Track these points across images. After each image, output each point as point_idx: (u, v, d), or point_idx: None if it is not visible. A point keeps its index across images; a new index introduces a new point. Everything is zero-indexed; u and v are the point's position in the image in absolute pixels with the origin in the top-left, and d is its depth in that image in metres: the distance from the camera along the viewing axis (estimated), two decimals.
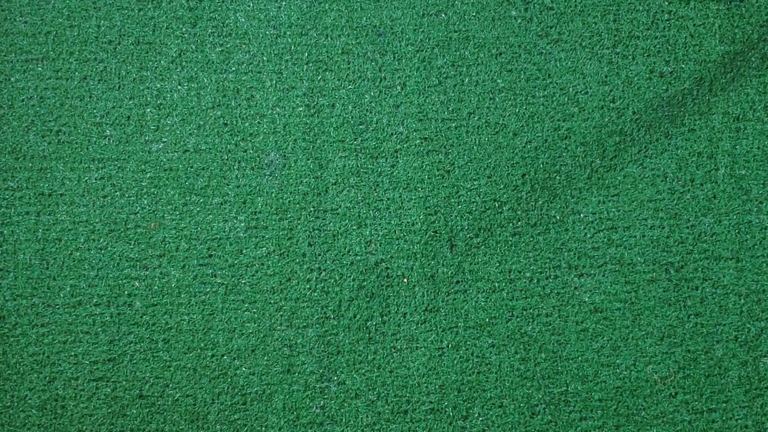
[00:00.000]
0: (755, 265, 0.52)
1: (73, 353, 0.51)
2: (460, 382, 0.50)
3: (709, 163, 0.53)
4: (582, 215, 0.52)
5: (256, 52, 0.53)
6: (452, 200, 0.52)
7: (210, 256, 0.51)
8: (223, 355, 0.51)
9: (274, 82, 0.53)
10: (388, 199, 0.51)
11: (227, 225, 0.52)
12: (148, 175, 0.52)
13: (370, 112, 0.53)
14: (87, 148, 0.52)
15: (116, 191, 0.52)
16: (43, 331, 0.51)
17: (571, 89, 0.53)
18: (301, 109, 0.53)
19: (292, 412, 0.49)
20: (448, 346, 0.50)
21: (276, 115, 0.53)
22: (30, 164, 0.52)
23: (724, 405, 0.51)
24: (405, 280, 0.50)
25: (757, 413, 0.51)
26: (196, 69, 0.53)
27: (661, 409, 0.50)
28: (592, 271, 0.52)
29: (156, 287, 0.51)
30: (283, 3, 0.54)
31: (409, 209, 0.51)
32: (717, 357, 0.51)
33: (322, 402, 0.49)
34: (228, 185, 0.52)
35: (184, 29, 0.53)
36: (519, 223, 0.52)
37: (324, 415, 0.49)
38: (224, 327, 0.51)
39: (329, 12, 0.54)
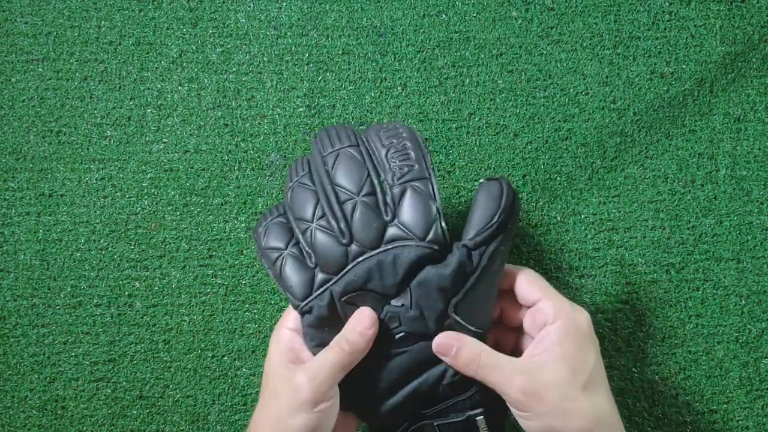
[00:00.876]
0: (756, 266, 0.52)
1: (73, 354, 0.51)
2: None
3: (710, 164, 0.53)
4: (583, 216, 0.52)
5: (257, 53, 0.53)
6: (453, 201, 0.52)
7: (210, 256, 0.51)
8: (223, 356, 0.51)
9: (275, 82, 0.53)
10: None
11: (228, 225, 0.52)
12: (148, 176, 0.52)
13: (371, 113, 0.53)
14: (87, 149, 0.52)
15: (117, 192, 0.52)
16: (44, 331, 0.51)
17: (571, 90, 0.53)
18: (301, 109, 0.53)
19: None
20: None
21: (276, 116, 0.53)
22: (30, 165, 0.52)
23: (725, 406, 0.51)
24: None
25: (758, 414, 0.51)
26: (196, 69, 0.53)
27: (662, 410, 0.50)
28: (593, 272, 0.52)
29: (156, 288, 0.51)
30: (284, 4, 0.54)
31: None
32: (718, 358, 0.51)
33: None
34: (228, 186, 0.52)
35: (184, 30, 0.53)
36: (520, 223, 0.52)
37: None
38: (225, 327, 0.51)
39: (330, 13, 0.54)
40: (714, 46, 0.54)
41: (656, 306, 0.52)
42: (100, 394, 0.51)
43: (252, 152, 0.52)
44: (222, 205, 0.52)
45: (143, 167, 0.52)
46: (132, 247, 0.51)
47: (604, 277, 0.52)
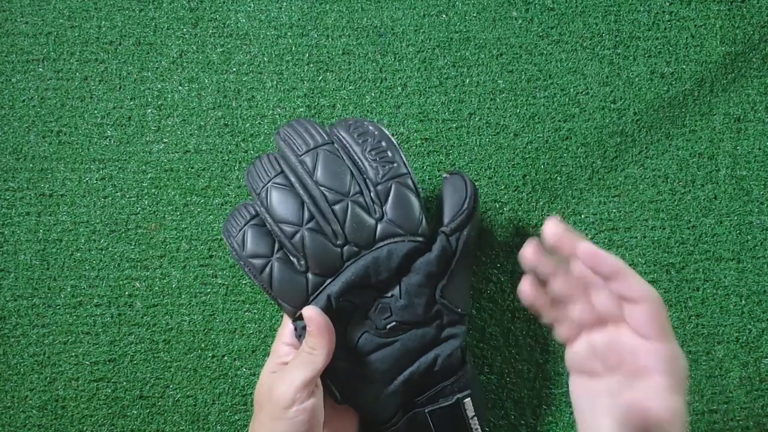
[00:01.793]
0: (756, 266, 0.52)
1: (73, 354, 0.51)
2: None
3: (710, 164, 0.53)
4: (583, 216, 0.52)
5: (257, 53, 0.53)
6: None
7: (211, 256, 0.51)
8: (224, 356, 0.51)
9: (275, 82, 0.53)
10: None
11: (223, 223, 0.52)
12: (148, 176, 0.52)
13: (371, 113, 0.53)
14: (88, 149, 0.52)
15: (117, 192, 0.52)
16: (44, 331, 0.51)
17: (572, 90, 0.53)
18: (302, 109, 0.53)
19: None
20: None
21: (277, 116, 0.53)
22: (31, 165, 0.52)
23: (725, 406, 0.51)
24: None
25: (759, 414, 0.51)
26: (197, 70, 0.53)
27: None
28: None
29: (157, 288, 0.51)
30: (284, 4, 0.54)
31: None
32: (718, 358, 0.51)
33: None
34: (229, 186, 0.52)
35: (185, 30, 0.53)
36: (520, 223, 0.52)
37: None
38: (225, 327, 0.51)
39: (330, 13, 0.54)
40: (714, 46, 0.54)
41: None
42: (100, 394, 0.51)
43: (252, 152, 0.52)
44: (222, 205, 0.52)
45: (143, 167, 0.52)
46: (132, 247, 0.51)
47: None
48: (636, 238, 0.52)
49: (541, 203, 0.52)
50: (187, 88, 0.53)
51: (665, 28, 0.54)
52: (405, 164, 0.42)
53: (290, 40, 0.53)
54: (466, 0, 0.54)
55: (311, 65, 0.53)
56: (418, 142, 0.52)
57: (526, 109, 0.53)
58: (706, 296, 0.52)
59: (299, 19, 0.54)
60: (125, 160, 0.52)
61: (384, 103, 0.53)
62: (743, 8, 0.55)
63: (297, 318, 0.41)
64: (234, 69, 0.53)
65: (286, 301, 0.40)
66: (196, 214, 0.52)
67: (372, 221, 0.40)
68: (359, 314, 0.41)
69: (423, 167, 0.52)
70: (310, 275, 0.40)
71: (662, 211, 0.52)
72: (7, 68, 0.53)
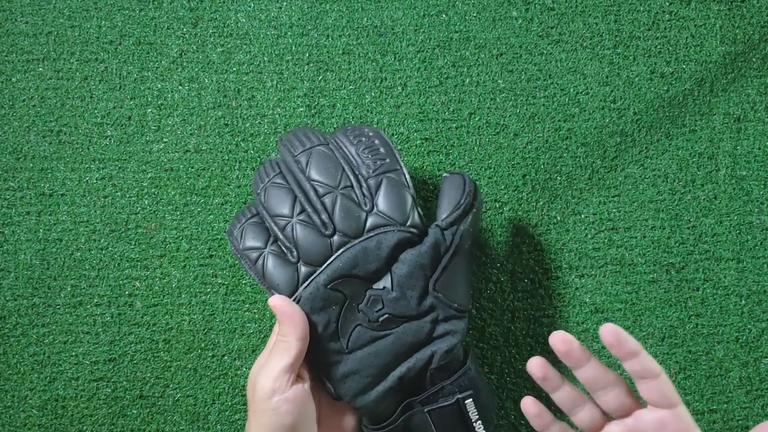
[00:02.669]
0: (756, 266, 0.52)
1: (73, 353, 0.51)
2: None
3: (710, 164, 0.53)
4: (583, 216, 0.52)
5: (257, 53, 0.53)
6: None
7: (211, 256, 0.51)
8: (224, 356, 0.51)
9: (275, 82, 0.53)
10: None
11: (228, 225, 0.52)
12: (149, 176, 0.52)
13: (371, 113, 0.53)
14: (88, 149, 0.52)
15: (117, 191, 0.52)
16: (44, 331, 0.51)
17: (572, 90, 0.53)
18: (302, 109, 0.53)
19: None
20: None
21: (277, 116, 0.53)
22: (31, 164, 0.52)
23: (725, 406, 0.51)
24: None
25: (758, 414, 0.51)
26: (197, 69, 0.53)
27: None
28: (593, 272, 0.52)
29: (157, 287, 0.51)
30: (284, 4, 0.54)
31: None
32: (718, 358, 0.51)
33: None
34: (229, 185, 0.52)
35: (185, 29, 0.53)
36: (520, 223, 0.52)
37: None
38: (225, 327, 0.51)
39: (330, 12, 0.54)
40: (714, 46, 0.54)
41: (656, 306, 0.52)
42: (100, 393, 0.51)
43: (252, 152, 0.52)
44: (222, 204, 0.52)
45: (143, 167, 0.52)
46: (132, 246, 0.52)
47: (604, 277, 0.52)
48: (636, 238, 0.52)
49: (541, 203, 0.52)
50: (187, 87, 0.53)
51: (665, 28, 0.54)
52: (398, 161, 0.43)
53: (290, 40, 0.53)
54: (466, 0, 0.54)
55: (311, 65, 0.53)
56: (418, 142, 0.53)
57: (526, 109, 0.53)
58: (706, 296, 0.52)
59: (299, 18, 0.54)
60: (125, 159, 0.52)
61: (384, 102, 0.53)
62: (743, 8, 0.55)
63: None
64: (234, 69, 0.53)
65: (277, 290, 0.41)
66: (196, 213, 0.52)
67: (362, 212, 0.41)
68: (351, 307, 0.41)
69: (423, 167, 0.52)
70: (301, 266, 0.41)
71: (662, 211, 0.52)
72: (7, 68, 0.53)
